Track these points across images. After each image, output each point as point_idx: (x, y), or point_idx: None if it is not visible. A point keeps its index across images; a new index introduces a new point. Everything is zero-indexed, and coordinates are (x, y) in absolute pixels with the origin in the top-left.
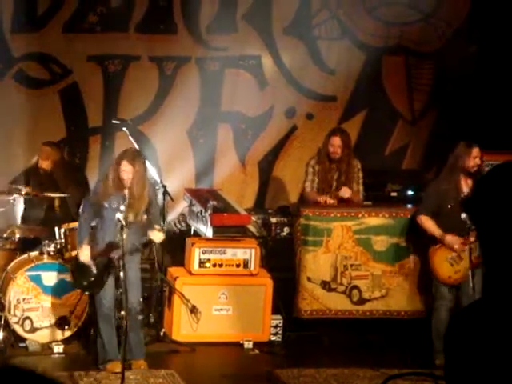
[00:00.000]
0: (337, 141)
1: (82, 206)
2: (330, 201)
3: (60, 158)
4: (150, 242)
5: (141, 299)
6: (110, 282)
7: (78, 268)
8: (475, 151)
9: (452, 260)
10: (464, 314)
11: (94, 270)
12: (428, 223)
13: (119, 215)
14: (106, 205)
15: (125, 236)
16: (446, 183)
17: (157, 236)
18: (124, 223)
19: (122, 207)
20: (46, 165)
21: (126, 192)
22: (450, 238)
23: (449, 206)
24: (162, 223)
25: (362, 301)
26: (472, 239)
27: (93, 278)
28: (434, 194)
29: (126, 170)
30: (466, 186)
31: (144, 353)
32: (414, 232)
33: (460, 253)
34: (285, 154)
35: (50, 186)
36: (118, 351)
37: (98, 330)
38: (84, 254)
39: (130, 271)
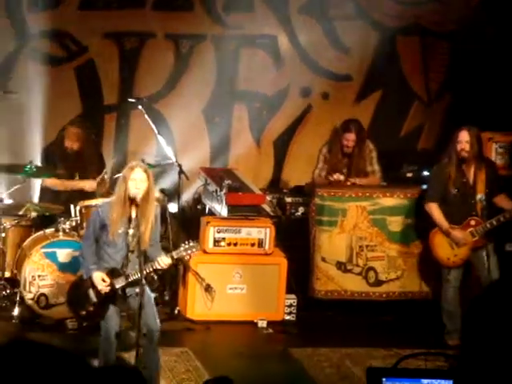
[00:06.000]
0: (351, 136)
1: (86, 231)
2: (340, 177)
3: (88, 136)
4: (155, 270)
5: (158, 320)
6: (113, 310)
7: (74, 296)
8: (461, 135)
9: (453, 243)
10: (483, 297)
11: (94, 299)
12: (436, 212)
13: (126, 240)
14: (111, 228)
15: (131, 263)
16: (447, 168)
17: (166, 263)
18: (131, 249)
19: (131, 231)
20: (76, 146)
21: (133, 213)
22: (455, 234)
23: (452, 192)
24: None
25: (378, 282)
26: (473, 223)
27: (91, 308)
28: (438, 180)
29: (138, 179)
30: (467, 171)
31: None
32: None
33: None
34: (300, 133)
35: (79, 166)
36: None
37: (99, 350)
38: (101, 283)
39: (137, 299)
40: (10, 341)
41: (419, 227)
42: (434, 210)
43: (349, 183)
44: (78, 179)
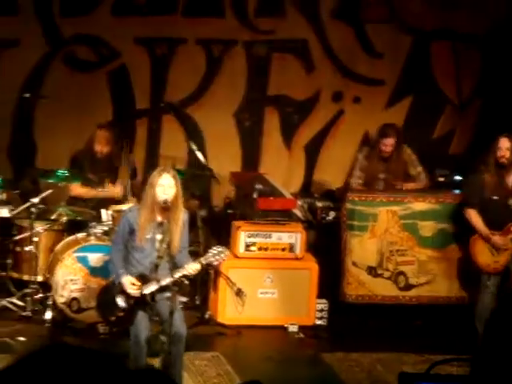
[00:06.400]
0: (390, 141)
1: (115, 236)
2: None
3: (116, 139)
4: (184, 276)
5: (184, 327)
6: (143, 315)
7: (104, 301)
8: (502, 142)
9: (493, 249)
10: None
11: (123, 304)
12: (475, 219)
13: (154, 246)
14: (139, 233)
15: (160, 269)
16: (485, 175)
17: (194, 269)
18: (159, 254)
19: (159, 236)
20: (106, 149)
21: (162, 218)
22: (495, 240)
23: (491, 198)
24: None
25: (408, 287)
26: None
27: (121, 313)
28: (476, 186)
29: (166, 185)
30: (506, 177)
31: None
32: (459, 218)
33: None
34: (331, 137)
35: (108, 170)
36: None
37: (130, 355)
38: (131, 287)
39: (166, 305)
40: (46, 344)
41: (453, 232)
42: (474, 216)
43: (398, 187)
44: (108, 184)
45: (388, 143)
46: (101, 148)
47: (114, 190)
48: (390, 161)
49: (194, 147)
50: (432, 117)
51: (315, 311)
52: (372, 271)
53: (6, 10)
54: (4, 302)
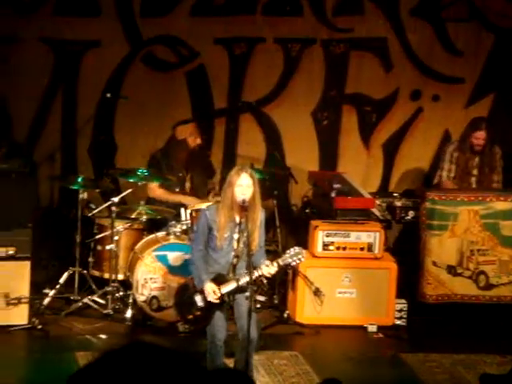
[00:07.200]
0: (482, 135)
1: (195, 236)
2: None
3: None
4: (261, 276)
5: (256, 330)
6: (220, 314)
7: (181, 300)
8: None
9: None
10: None
11: (201, 303)
12: None
13: (231, 245)
14: (218, 233)
15: (237, 269)
16: None
17: (271, 270)
18: (236, 254)
19: (236, 236)
20: (199, 140)
21: (239, 218)
22: None
23: None
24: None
25: (488, 286)
26: None
27: (199, 313)
28: None
29: (245, 185)
30: None
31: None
32: None
33: None
34: (410, 136)
35: (201, 163)
36: None
37: (207, 355)
38: (212, 295)
39: (243, 305)
40: (128, 343)
41: None
42: None
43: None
44: (189, 184)
45: (480, 136)
46: (193, 140)
47: (194, 201)
48: (482, 155)
49: (272, 146)
50: None
51: (394, 311)
52: (452, 270)
53: (89, 11)
54: (86, 300)
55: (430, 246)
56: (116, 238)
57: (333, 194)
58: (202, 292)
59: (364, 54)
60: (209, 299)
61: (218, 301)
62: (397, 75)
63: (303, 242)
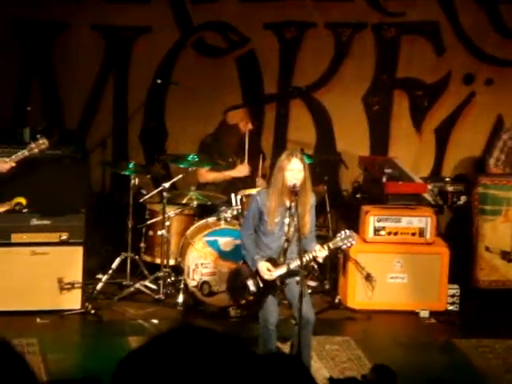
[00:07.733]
0: None
1: (245, 221)
2: None
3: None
4: (312, 260)
5: (313, 312)
6: (272, 299)
7: (233, 285)
8: None
9: None
10: None
11: (254, 288)
12: None
13: (282, 229)
14: (268, 218)
15: (288, 253)
16: None
17: (322, 254)
18: (287, 238)
19: (287, 220)
20: (250, 127)
21: (290, 202)
22: None
23: None
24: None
25: None
26: None
27: (251, 297)
28: None
29: (296, 169)
30: None
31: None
32: None
33: None
34: (462, 121)
35: (249, 147)
36: None
37: (259, 339)
38: (267, 273)
39: (295, 289)
40: (178, 326)
41: None
42: None
43: None
44: (238, 163)
45: None
46: (249, 125)
47: (244, 168)
48: None
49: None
50: None
51: (447, 297)
52: (506, 256)
53: None
54: (138, 285)
55: (483, 230)
56: (167, 223)
57: (384, 179)
58: (254, 277)
59: (415, 38)
60: (265, 277)
61: (273, 278)
62: (449, 59)
63: (354, 227)
